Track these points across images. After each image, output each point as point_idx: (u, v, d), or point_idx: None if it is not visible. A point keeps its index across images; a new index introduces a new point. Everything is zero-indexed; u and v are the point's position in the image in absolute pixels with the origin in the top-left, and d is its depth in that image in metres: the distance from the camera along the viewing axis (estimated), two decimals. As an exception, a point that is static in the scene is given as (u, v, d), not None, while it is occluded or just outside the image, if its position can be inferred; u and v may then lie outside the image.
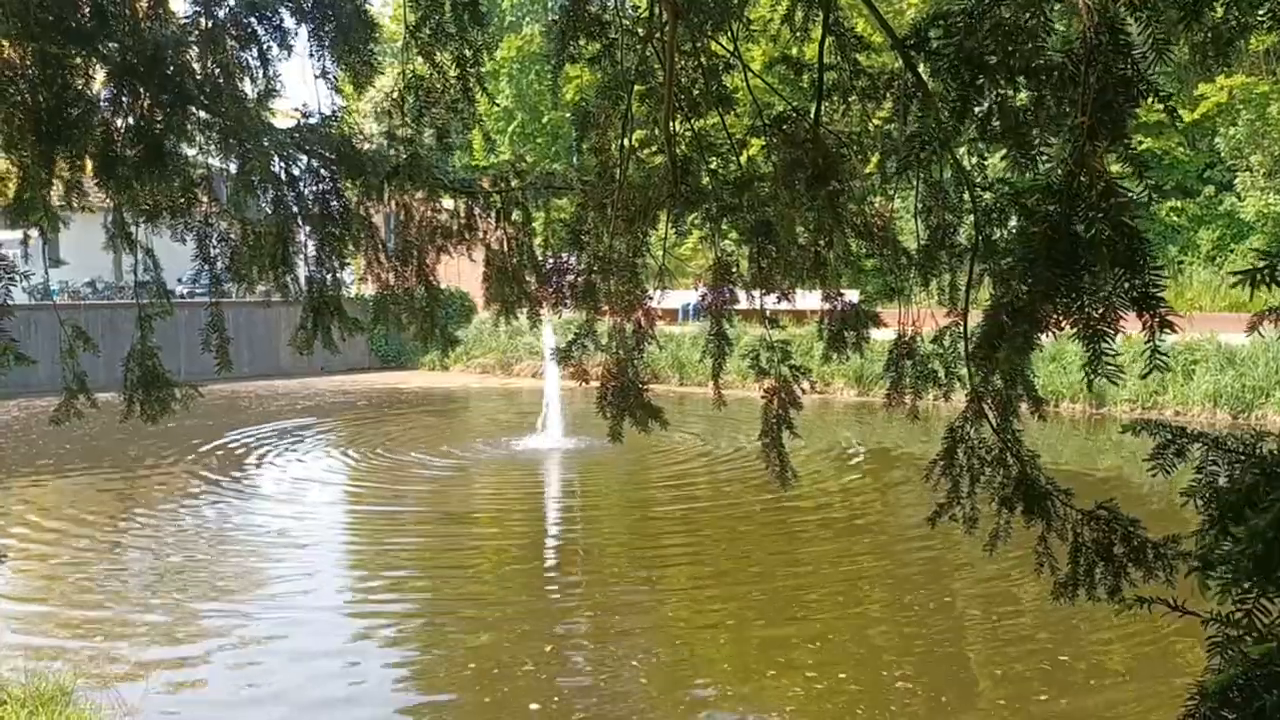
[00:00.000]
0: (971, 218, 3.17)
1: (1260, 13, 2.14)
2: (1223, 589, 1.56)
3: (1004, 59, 2.17)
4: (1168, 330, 1.97)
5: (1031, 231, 1.98)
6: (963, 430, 3.24)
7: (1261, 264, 1.41)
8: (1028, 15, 2.10)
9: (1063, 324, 2.06)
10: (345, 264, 4.87)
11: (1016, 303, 2.02)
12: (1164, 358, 1.98)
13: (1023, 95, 2.53)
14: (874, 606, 9.20)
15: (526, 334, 23.50)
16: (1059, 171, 2.03)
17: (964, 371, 3.04)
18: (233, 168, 4.26)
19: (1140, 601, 1.97)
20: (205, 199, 4.38)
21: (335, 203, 4.51)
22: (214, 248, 4.43)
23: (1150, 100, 2.01)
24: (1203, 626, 1.92)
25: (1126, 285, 1.92)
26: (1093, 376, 2.05)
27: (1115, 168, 2.20)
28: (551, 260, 4.77)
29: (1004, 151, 2.37)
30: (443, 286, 5.58)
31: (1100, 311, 1.96)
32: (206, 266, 4.47)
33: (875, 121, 3.79)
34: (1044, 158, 2.25)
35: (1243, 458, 2.07)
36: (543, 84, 36.34)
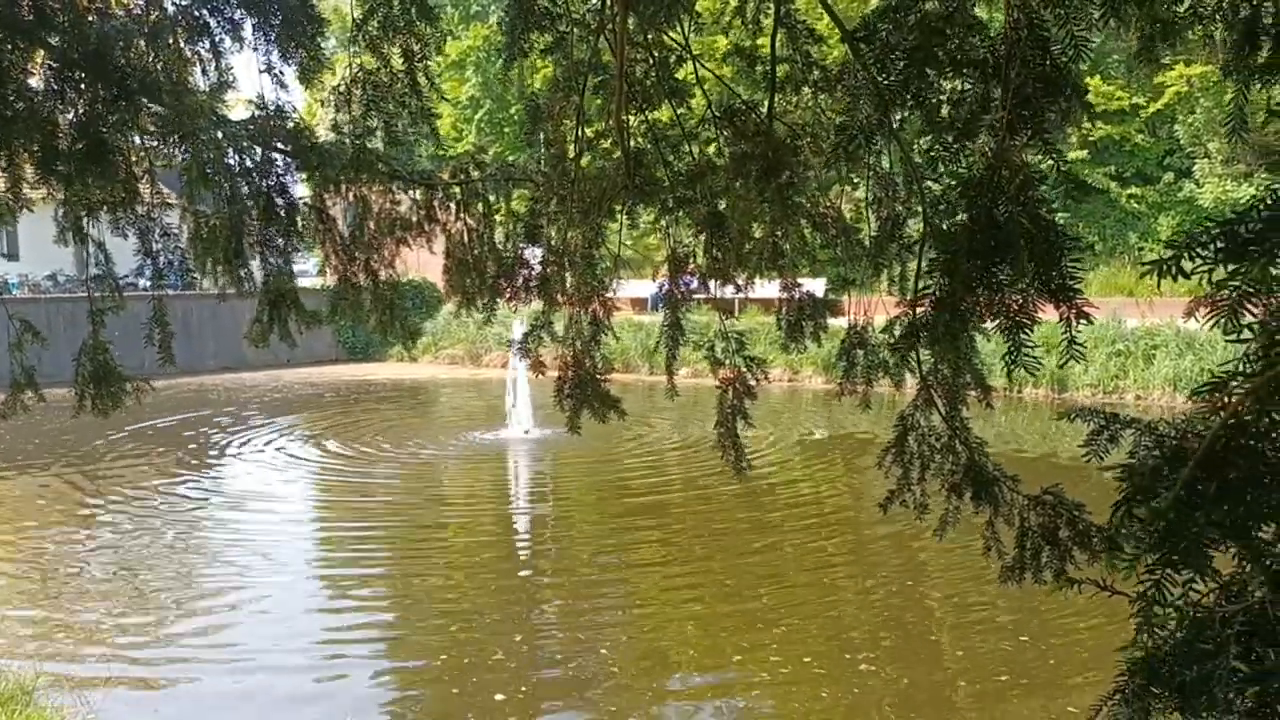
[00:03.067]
0: (921, 209, 3.21)
1: (1181, 10, 2.19)
2: (1128, 567, 1.62)
3: (930, 52, 2.20)
4: (1084, 320, 2.01)
5: (953, 224, 2.01)
6: (913, 418, 3.29)
7: (1168, 255, 1.45)
8: (949, 9, 2.13)
9: (985, 315, 2.10)
10: (302, 256, 4.85)
11: (939, 294, 2.06)
12: (1080, 348, 2.03)
13: (965, 88, 2.57)
14: (841, 590, 9.30)
15: (495, 325, 23.38)
16: (980, 165, 2.07)
17: (913, 361, 3.08)
18: (182, 161, 4.21)
19: (1071, 582, 2.03)
20: (148, 193, 4.34)
21: (290, 194, 4.48)
22: (156, 242, 4.38)
23: (1068, 95, 2.04)
24: (1129, 605, 1.97)
25: (1044, 277, 1.96)
26: (1012, 366, 2.09)
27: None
28: (512, 252, 4.77)
29: (933, 144, 2.41)
30: (409, 278, 5.57)
31: (1019, 302, 1.99)
32: (149, 261, 4.43)
33: (830, 114, 3.82)
34: (967, 151, 2.29)
35: (1173, 442, 2.12)
36: (513, 73, 36.14)
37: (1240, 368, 1.52)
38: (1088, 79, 26.72)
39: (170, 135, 4.18)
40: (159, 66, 4.04)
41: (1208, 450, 1.46)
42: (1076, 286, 1.98)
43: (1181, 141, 27.04)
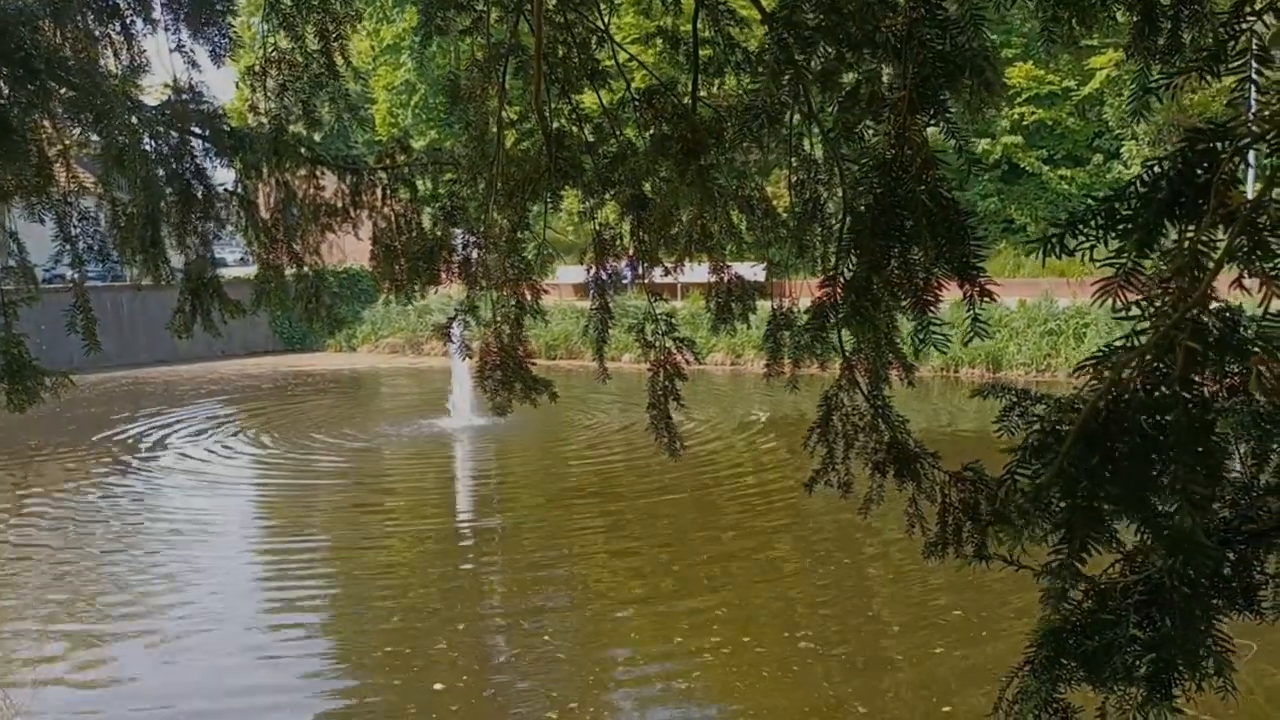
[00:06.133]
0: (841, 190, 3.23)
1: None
2: (1012, 540, 1.65)
3: (834, 32, 2.22)
4: (987, 299, 2.04)
5: (863, 205, 2.04)
6: (837, 398, 3.32)
7: (1052, 233, 1.48)
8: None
9: (898, 294, 2.12)
10: (234, 244, 4.74)
11: (850, 274, 2.08)
12: (984, 325, 2.06)
13: (888, 71, 2.59)
14: (784, 571, 9.40)
15: (434, 313, 23.16)
16: (886, 145, 2.09)
17: (836, 341, 3.11)
18: (96, 145, 4.08)
19: (980, 558, 2.06)
20: (64, 177, 4.20)
21: (208, 180, 4.37)
22: (75, 227, 4.25)
23: (967, 76, 2.07)
24: (1035, 579, 2.02)
25: (948, 256, 1.99)
26: (920, 345, 2.11)
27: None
28: (435, 236, 4.71)
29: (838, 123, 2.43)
30: (346, 266, 5.44)
31: (923, 281, 2.02)
32: (68, 246, 4.30)
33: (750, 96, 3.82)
34: (872, 131, 2.31)
35: (1056, 416, 2.17)
36: (445, 57, 35.64)
37: (1128, 343, 1.56)
38: (1019, 64, 27.19)
39: (82, 118, 4.04)
40: (67, 48, 3.91)
41: (1088, 424, 1.49)
42: (980, 265, 2.02)
43: (1110, 124, 27.68)
